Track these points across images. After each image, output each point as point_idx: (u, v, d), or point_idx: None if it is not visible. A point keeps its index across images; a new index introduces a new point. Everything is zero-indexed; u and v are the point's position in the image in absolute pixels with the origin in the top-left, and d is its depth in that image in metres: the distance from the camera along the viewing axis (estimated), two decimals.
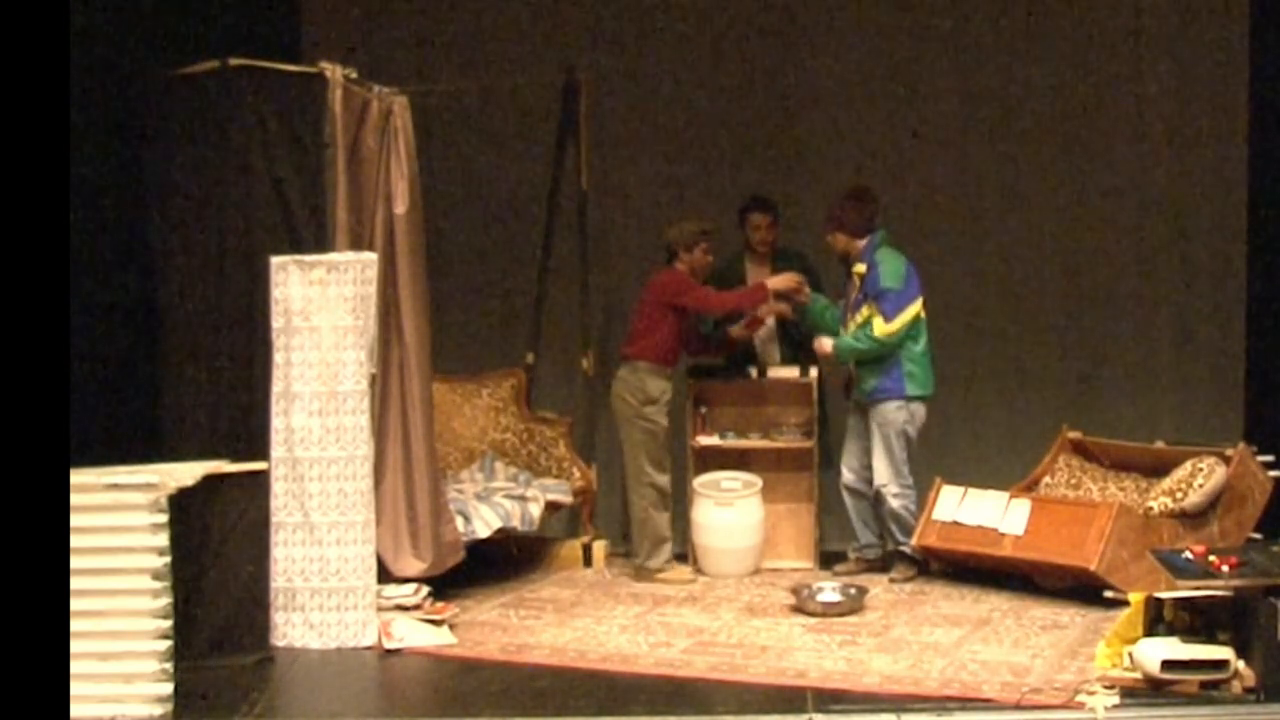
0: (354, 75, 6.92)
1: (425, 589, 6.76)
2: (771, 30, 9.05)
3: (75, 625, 4.84)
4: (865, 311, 7.69)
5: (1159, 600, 5.68)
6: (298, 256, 6.63)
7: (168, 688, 5.40)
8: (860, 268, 7.77)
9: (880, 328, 7.61)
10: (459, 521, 7.20)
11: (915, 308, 7.68)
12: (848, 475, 7.93)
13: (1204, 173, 8.90)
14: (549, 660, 6.23)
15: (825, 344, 7.84)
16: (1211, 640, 5.47)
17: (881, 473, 7.71)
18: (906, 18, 9.00)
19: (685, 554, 8.05)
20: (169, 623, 5.46)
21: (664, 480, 7.88)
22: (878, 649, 6.34)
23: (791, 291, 7.91)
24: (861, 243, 7.78)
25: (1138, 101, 8.94)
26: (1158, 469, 7.60)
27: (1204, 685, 5.35)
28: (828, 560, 8.05)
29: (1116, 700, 5.34)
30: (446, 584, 7.00)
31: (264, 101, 6.78)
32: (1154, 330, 9.02)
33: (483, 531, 7.38)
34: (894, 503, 7.69)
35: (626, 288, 8.64)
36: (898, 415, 7.68)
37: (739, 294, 7.96)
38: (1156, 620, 5.65)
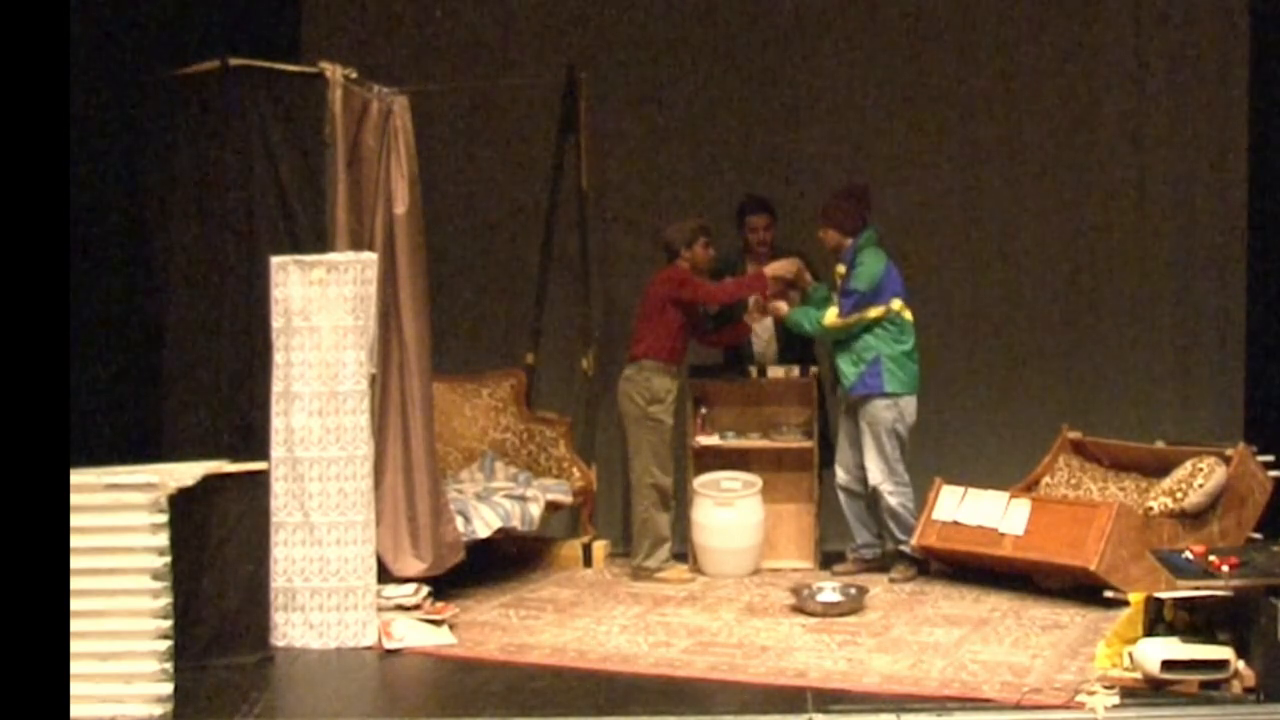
0: (354, 75, 6.93)
1: (425, 589, 6.76)
2: (771, 30, 9.06)
3: (75, 625, 4.83)
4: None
5: (1159, 600, 5.67)
6: (298, 256, 6.63)
7: (168, 688, 5.39)
8: (841, 268, 7.81)
9: (830, 317, 7.70)
10: (459, 521, 7.20)
11: (876, 311, 7.68)
12: (842, 476, 7.93)
13: (1204, 173, 8.91)
14: (549, 660, 6.23)
15: (782, 308, 7.93)
16: (1211, 640, 5.47)
17: (875, 472, 7.71)
18: (907, 18, 9.01)
19: (685, 554, 8.05)
20: (169, 623, 5.45)
21: (667, 481, 7.89)
22: (878, 649, 6.34)
23: (793, 275, 7.96)
24: (849, 241, 7.80)
25: (1138, 101, 8.95)
26: (1158, 469, 7.60)
27: (1204, 685, 5.35)
28: (828, 560, 8.05)
29: (1116, 700, 5.33)
30: (446, 584, 7.00)
31: (264, 101, 6.78)
32: (1154, 330, 9.02)
33: (483, 531, 7.38)
34: (890, 500, 7.70)
35: (626, 288, 8.65)
36: (887, 414, 7.69)
37: (738, 282, 7.98)
38: (1156, 620, 5.64)
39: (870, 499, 7.82)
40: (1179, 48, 8.90)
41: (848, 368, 7.75)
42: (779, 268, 7.93)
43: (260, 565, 6.35)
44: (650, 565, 7.82)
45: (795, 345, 8.23)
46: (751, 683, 5.86)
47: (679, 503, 8.06)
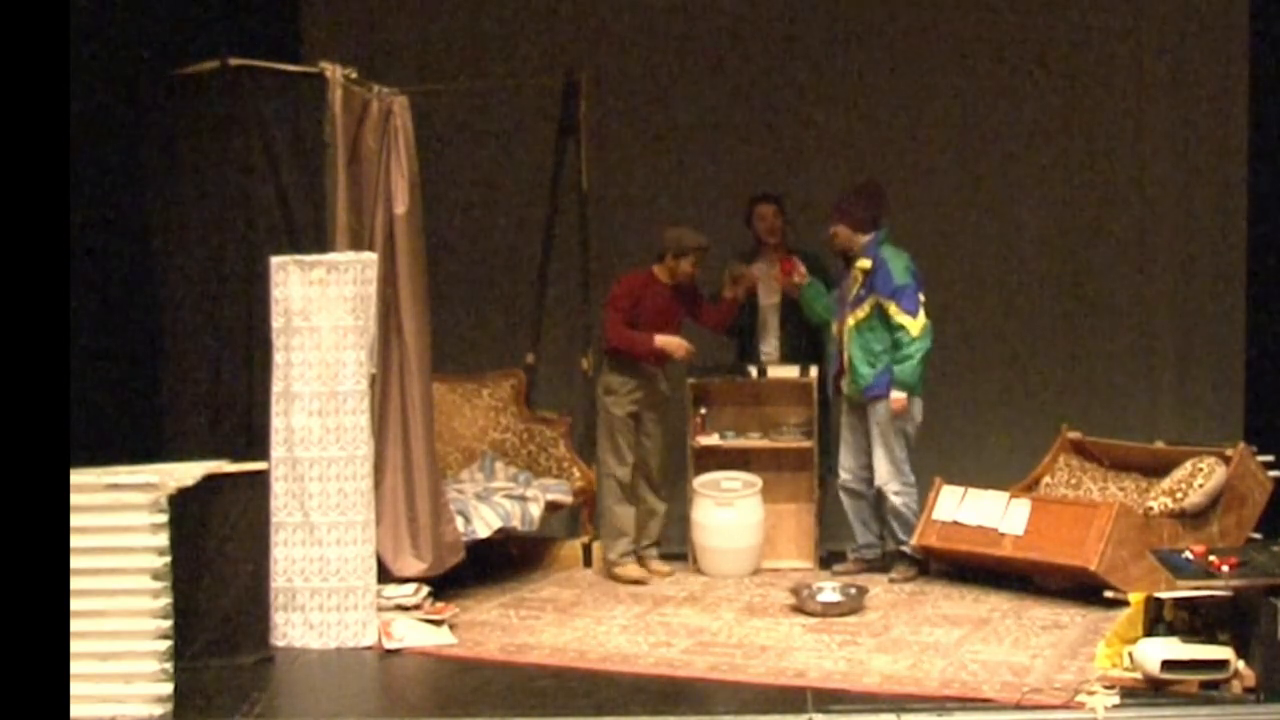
0: (354, 75, 6.93)
1: (425, 589, 6.76)
2: (773, 30, 9.06)
3: (75, 625, 4.84)
4: (868, 308, 7.67)
5: (1159, 600, 5.68)
6: (298, 256, 6.63)
7: (168, 688, 5.39)
8: (865, 263, 7.71)
9: (914, 326, 7.59)
10: (459, 521, 7.21)
11: (922, 298, 7.69)
12: (844, 476, 7.92)
13: (1204, 173, 8.92)
14: (549, 660, 6.23)
15: (900, 399, 7.63)
16: (1211, 640, 5.48)
17: (882, 471, 7.70)
18: (908, 18, 9.01)
19: (685, 554, 8.05)
20: (169, 623, 5.45)
21: (623, 473, 7.83)
22: (878, 649, 6.34)
23: (681, 356, 7.84)
24: (865, 238, 7.75)
25: (1138, 101, 8.96)
26: (1158, 469, 7.60)
27: (1204, 685, 5.35)
28: (828, 560, 8.05)
29: (1116, 700, 5.33)
30: (446, 584, 7.00)
31: (264, 101, 6.78)
32: (1154, 330, 9.03)
33: (483, 531, 7.38)
34: (895, 500, 7.69)
35: None
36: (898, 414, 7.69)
37: (633, 337, 7.76)
38: (1156, 620, 5.65)
39: (875, 498, 7.81)
40: (1179, 48, 8.90)
41: (864, 369, 7.71)
42: (668, 343, 7.75)
43: (260, 565, 6.35)
44: (610, 558, 7.81)
45: (802, 345, 8.22)
46: (751, 683, 5.85)
47: (679, 503, 8.06)
